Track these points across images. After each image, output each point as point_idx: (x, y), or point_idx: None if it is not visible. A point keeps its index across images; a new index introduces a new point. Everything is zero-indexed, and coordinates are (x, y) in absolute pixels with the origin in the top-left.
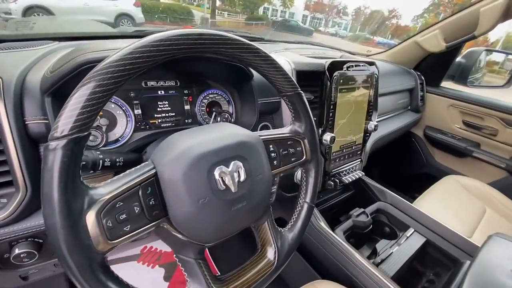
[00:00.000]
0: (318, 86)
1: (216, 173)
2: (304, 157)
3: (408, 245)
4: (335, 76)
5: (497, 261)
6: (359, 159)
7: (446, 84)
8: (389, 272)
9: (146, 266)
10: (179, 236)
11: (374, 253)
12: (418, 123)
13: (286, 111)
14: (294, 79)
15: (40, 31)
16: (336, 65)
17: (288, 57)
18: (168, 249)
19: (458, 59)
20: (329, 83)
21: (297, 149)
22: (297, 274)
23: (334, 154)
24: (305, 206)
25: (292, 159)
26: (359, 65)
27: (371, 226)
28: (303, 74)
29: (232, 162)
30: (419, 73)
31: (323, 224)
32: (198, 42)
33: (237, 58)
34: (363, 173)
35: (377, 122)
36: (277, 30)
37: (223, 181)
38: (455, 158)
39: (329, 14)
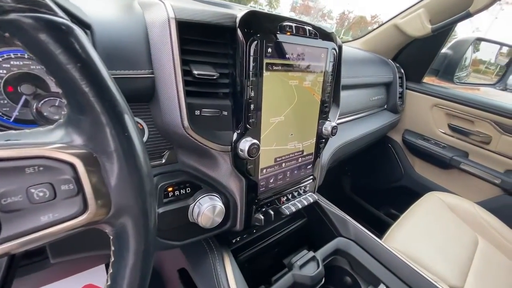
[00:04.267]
0: (228, 56)
1: None
2: (88, 209)
3: None
4: (256, 39)
5: None
6: (311, 177)
7: (429, 80)
8: None
9: None
10: None
11: None
12: (396, 126)
13: (170, 99)
14: (174, 33)
15: None
16: (259, 21)
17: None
18: None
19: (444, 50)
20: (245, 50)
21: (61, 187)
22: None
23: (264, 171)
24: None
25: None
26: (305, 30)
27: (324, 278)
28: (196, 31)
29: None
30: (398, 65)
31: None
32: None
33: None
34: (316, 197)
35: (337, 123)
36: None
37: None
38: (439, 170)
39: (314, 17)
